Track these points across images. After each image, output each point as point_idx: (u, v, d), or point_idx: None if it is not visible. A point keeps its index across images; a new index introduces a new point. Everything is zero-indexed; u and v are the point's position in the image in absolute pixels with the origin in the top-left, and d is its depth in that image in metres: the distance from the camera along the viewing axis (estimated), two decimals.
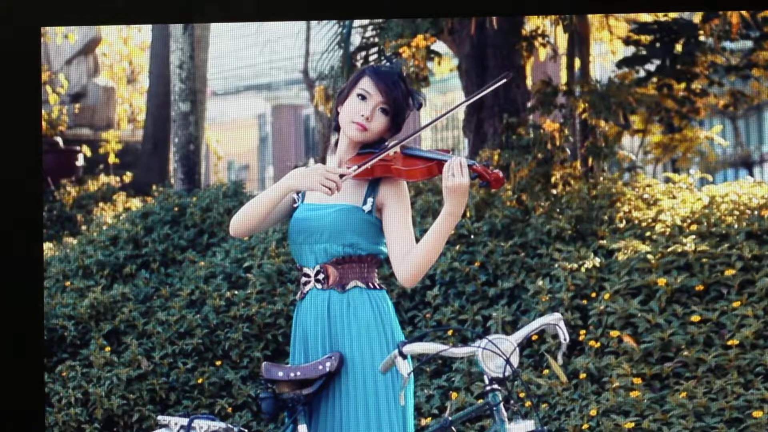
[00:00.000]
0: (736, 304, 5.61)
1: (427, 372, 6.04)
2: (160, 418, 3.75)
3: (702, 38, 8.08)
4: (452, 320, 6.19)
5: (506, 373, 3.37)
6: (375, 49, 8.06)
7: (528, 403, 5.30)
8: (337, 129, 3.72)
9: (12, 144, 4.08)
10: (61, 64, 13.59)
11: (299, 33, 11.29)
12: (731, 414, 5.08)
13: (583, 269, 6.07)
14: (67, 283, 7.17)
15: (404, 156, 3.61)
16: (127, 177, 11.76)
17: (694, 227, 6.31)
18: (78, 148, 12.02)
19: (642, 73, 8.30)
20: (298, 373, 3.56)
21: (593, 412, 5.28)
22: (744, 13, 7.67)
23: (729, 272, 5.76)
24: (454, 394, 5.66)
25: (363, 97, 3.64)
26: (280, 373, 3.58)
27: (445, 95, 16.36)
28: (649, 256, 5.96)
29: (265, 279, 6.77)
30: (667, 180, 7.49)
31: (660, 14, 8.15)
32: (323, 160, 3.93)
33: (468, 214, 6.83)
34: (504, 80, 3.70)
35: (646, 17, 8.33)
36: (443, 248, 3.60)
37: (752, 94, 8.73)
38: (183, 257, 7.48)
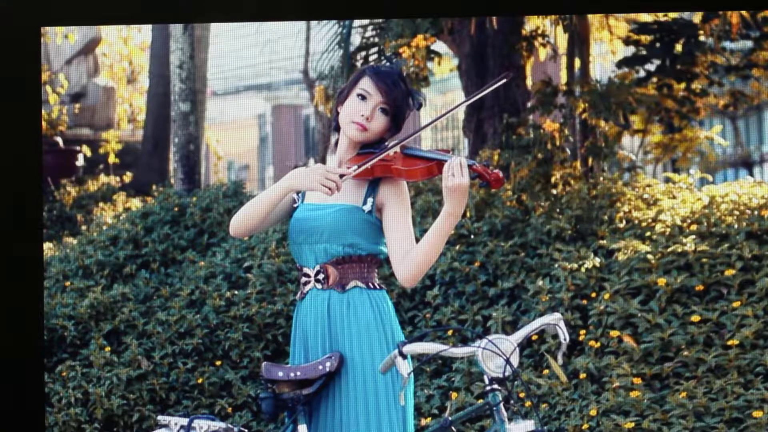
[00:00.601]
0: (736, 304, 5.61)
1: (427, 372, 6.04)
2: (160, 418, 3.75)
3: (702, 38, 8.07)
4: (452, 320, 6.19)
5: (506, 373, 3.37)
6: (375, 49, 8.06)
7: (528, 403, 5.30)
8: (337, 129, 3.72)
9: (12, 144, 4.08)
10: (61, 64, 13.60)
11: (299, 33, 11.30)
12: (731, 414, 5.07)
13: (583, 269, 6.07)
14: (67, 283, 7.17)
15: (404, 156, 3.61)
16: (127, 177, 11.76)
17: (694, 227, 6.31)
18: (78, 148, 12.02)
19: (642, 73, 8.30)
20: (298, 373, 3.56)
21: (593, 412, 5.28)
22: (744, 13, 7.67)
23: (729, 272, 5.76)
24: (454, 394, 5.66)
25: (363, 97, 3.64)
26: (280, 373, 3.58)
27: (445, 95, 16.37)
28: (649, 256, 5.96)
29: (265, 279, 6.78)
30: (667, 180, 7.48)
31: (660, 14, 8.15)
32: (323, 160, 3.93)
33: (468, 214, 6.83)
34: (504, 80, 3.70)
35: (646, 17, 8.33)
36: (443, 248, 3.60)
37: (752, 94, 8.73)
38: (183, 257, 7.48)
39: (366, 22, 8.20)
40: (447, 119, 13.60)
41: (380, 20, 7.87)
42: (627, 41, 8.51)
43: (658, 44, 8.18)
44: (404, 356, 3.37)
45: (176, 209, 7.94)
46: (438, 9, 4.69)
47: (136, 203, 9.90)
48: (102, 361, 6.36)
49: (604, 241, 6.35)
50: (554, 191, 7.02)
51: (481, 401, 3.71)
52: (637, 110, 8.06)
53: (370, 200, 3.63)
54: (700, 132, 8.59)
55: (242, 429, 3.83)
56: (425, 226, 6.49)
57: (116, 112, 13.82)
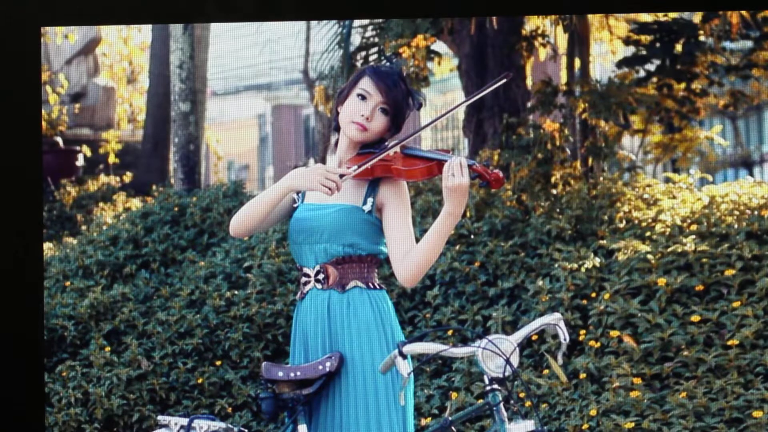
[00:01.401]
0: (736, 304, 5.61)
1: (427, 372, 6.04)
2: (160, 418, 3.75)
3: (702, 38, 8.08)
4: (452, 320, 6.19)
5: (506, 373, 3.37)
6: (375, 49, 8.06)
7: (528, 403, 5.30)
8: (337, 129, 3.72)
9: (12, 144, 4.08)
10: (61, 64, 13.60)
11: (299, 33, 11.32)
12: (731, 414, 5.08)
13: (583, 269, 6.07)
14: (67, 283, 7.17)
15: (404, 156, 3.61)
16: (127, 177, 11.76)
17: (694, 227, 6.31)
18: (78, 148, 12.03)
19: (642, 73, 8.30)
20: (298, 373, 3.56)
21: (593, 412, 5.28)
22: (744, 13, 7.67)
23: (729, 272, 5.76)
24: (454, 394, 5.66)
25: (363, 97, 3.64)
26: (280, 373, 3.58)
27: (445, 95, 16.38)
28: (649, 256, 5.96)
29: (265, 279, 6.77)
30: (667, 180, 7.48)
31: (660, 14, 8.15)
32: (323, 160, 3.93)
33: (468, 214, 6.83)
34: (504, 80, 3.70)
35: (646, 17, 8.33)
36: (443, 248, 3.60)
37: (752, 94, 8.73)
38: (183, 257, 7.48)
39: (366, 22, 8.21)
40: (447, 119, 13.60)
41: (380, 20, 7.87)
42: (627, 41, 8.51)
43: (658, 44, 8.18)
44: (404, 356, 3.37)
45: (176, 209, 7.94)
46: (438, 9, 4.69)
47: (136, 203, 9.90)
48: (102, 361, 6.37)
49: (604, 241, 6.35)
50: (554, 191, 7.02)
51: (481, 401, 3.71)
52: (637, 110, 8.07)
53: (370, 200, 3.63)
54: (700, 132, 8.60)
55: (242, 429, 3.83)
56: (425, 226, 6.49)
57: (116, 112, 13.83)
